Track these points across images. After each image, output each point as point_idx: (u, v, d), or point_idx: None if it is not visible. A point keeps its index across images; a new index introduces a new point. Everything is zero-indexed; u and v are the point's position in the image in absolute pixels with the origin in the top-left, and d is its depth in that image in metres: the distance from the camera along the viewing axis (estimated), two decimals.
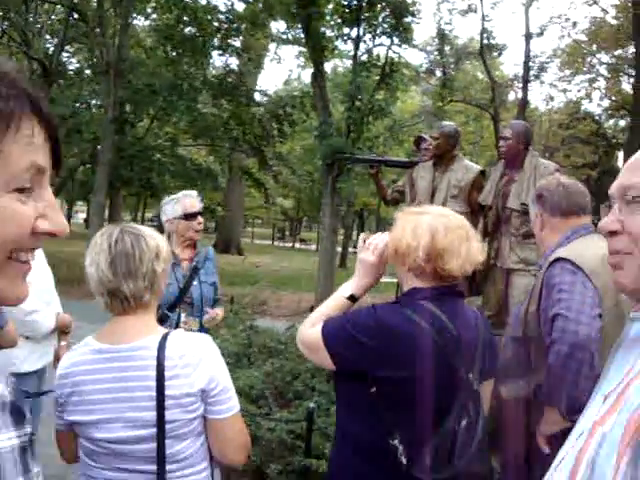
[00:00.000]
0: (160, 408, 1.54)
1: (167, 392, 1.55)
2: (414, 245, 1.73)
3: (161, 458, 1.57)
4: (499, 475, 2.45)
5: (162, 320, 3.37)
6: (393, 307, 1.78)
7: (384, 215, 27.55)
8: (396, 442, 1.68)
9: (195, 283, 3.47)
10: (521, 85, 18.65)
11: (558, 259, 2.14)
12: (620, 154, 24.47)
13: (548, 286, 2.11)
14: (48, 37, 16.58)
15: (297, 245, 34.34)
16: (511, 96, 22.91)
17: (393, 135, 14.82)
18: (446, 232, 1.73)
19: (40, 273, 2.94)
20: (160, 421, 1.55)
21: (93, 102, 14.02)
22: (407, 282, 1.82)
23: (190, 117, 14.05)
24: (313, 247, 23.98)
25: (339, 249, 21.34)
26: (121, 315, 1.65)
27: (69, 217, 32.15)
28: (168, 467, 1.59)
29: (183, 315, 3.42)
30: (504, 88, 20.83)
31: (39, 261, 3.05)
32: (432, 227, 1.74)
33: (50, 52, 15.59)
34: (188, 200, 3.52)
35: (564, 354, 1.92)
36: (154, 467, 1.58)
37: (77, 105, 13.35)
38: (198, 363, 1.59)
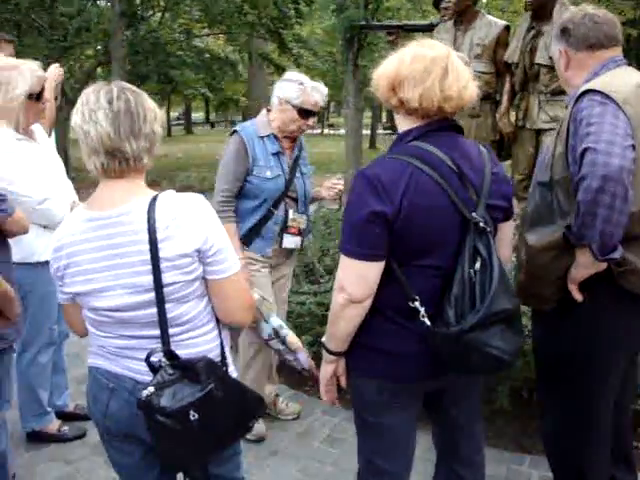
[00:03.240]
0: (156, 271, 1.48)
1: (161, 254, 1.49)
2: (379, 74, 1.69)
3: (163, 322, 1.54)
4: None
5: (267, 218, 3.01)
6: (378, 160, 1.69)
7: None
8: (417, 304, 1.63)
9: (298, 175, 3.13)
10: None
11: (586, 91, 1.95)
12: None
13: (575, 121, 1.92)
14: None
15: (326, 131, 33.55)
16: None
17: (415, 6, 13.88)
18: (412, 60, 1.63)
19: (49, 161, 2.88)
20: (157, 285, 1.50)
21: None
22: (400, 126, 1.73)
23: (201, 4, 13.37)
24: (342, 132, 23.30)
25: (366, 132, 20.95)
26: (113, 179, 1.55)
27: None
28: (171, 331, 1.56)
29: (291, 211, 3.08)
30: None
31: (48, 149, 2.98)
32: (400, 56, 1.67)
33: None
34: (314, 96, 2.99)
35: (595, 188, 1.75)
36: (158, 332, 1.55)
37: (84, 2, 12.81)
38: (192, 223, 1.52)
